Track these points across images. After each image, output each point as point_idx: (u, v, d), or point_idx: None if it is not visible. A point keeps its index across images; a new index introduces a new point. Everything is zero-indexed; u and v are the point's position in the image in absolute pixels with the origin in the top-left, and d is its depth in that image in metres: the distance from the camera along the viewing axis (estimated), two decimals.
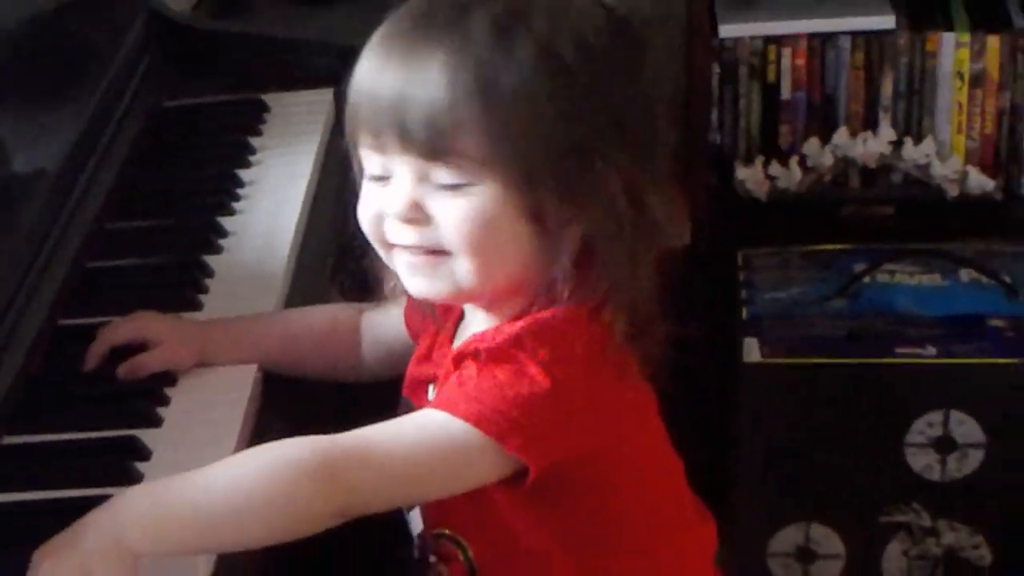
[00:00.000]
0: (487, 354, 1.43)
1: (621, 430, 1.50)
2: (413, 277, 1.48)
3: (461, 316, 1.56)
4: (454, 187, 1.42)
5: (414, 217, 1.45)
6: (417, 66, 1.41)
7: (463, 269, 1.46)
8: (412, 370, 1.60)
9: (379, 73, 1.43)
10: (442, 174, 1.42)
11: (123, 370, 1.66)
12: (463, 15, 1.41)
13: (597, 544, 1.54)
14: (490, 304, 1.50)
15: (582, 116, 1.41)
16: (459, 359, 1.46)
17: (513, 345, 1.43)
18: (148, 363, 1.66)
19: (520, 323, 1.43)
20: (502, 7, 1.41)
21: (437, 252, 1.46)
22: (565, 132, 1.40)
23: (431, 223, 1.44)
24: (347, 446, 1.43)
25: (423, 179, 1.43)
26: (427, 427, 1.44)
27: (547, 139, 1.40)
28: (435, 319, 1.59)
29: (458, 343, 1.53)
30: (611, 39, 1.42)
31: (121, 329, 1.69)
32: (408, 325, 1.65)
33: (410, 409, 1.55)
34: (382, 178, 1.45)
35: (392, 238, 1.47)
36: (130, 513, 1.38)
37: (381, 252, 1.49)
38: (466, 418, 1.41)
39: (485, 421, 1.41)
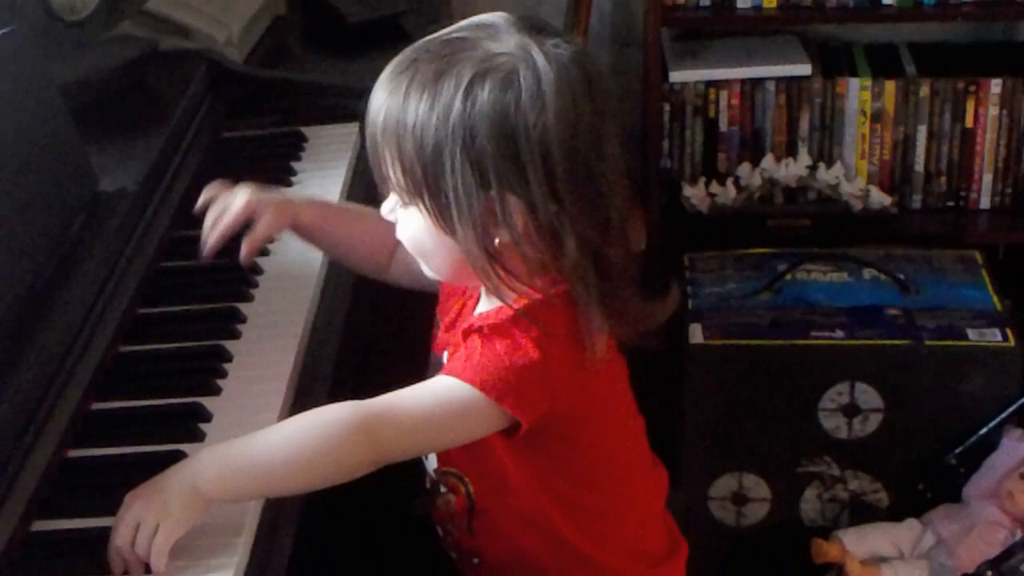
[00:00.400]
0: (489, 330, 1.44)
1: (596, 393, 1.50)
2: None
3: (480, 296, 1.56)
4: (403, 204, 1.46)
5: (391, 217, 1.49)
6: (374, 106, 1.43)
7: (427, 270, 1.51)
8: (441, 335, 1.60)
9: (368, 103, 1.45)
10: (393, 194, 1.46)
11: (244, 258, 1.67)
12: (407, 68, 1.41)
13: (572, 484, 1.55)
14: (485, 288, 1.49)
15: (481, 160, 1.38)
16: (467, 333, 1.47)
17: (510, 323, 1.43)
18: (258, 239, 1.66)
19: (516, 306, 1.43)
20: (431, 68, 1.39)
21: None
22: (465, 174, 1.38)
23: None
24: (377, 409, 1.44)
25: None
26: (440, 391, 1.45)
27: (449, 179, 1.38)
28: (460, 291, 1.59)
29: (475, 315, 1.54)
30: (515, 101, 1.38)
31: (234, 216, 1.67)
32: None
33: (439, 364, 1.56)
34: None
35: None
36: (204, 467, 1.40)
37: None
38: (472, 383, 1.42)
39: (487, 385, 1.42)
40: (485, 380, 1.42)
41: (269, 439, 1.43)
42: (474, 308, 1.55)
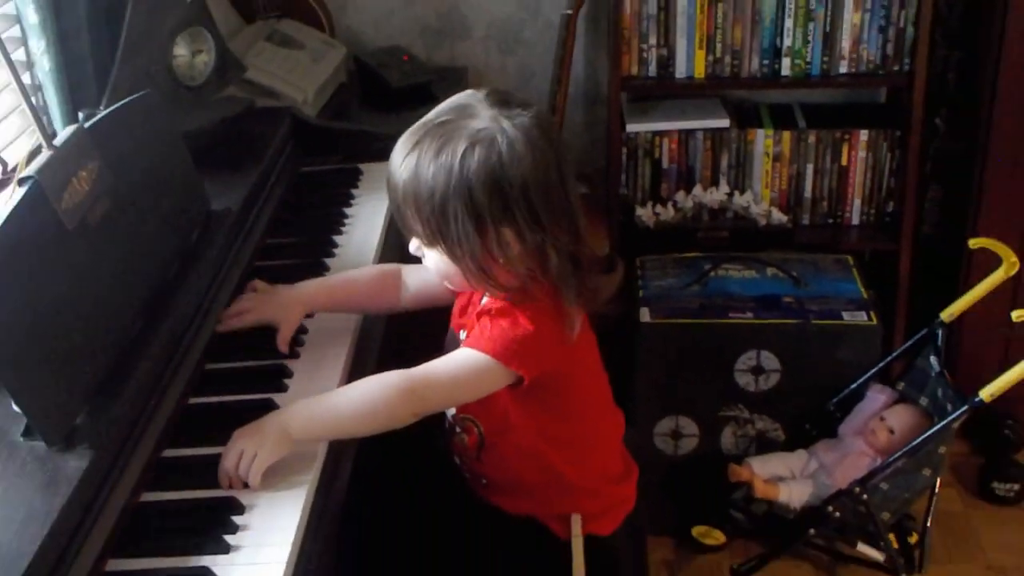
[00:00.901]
0: (496, 312, 1.45)
1: (575, 356, 1.52)
2: None
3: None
4: (426, 245, 1.46)
5: (417, 253, 1.50)
6: (394, 176, 1.43)
7: (451, 287, 1.52)
8: (455, 319, 1.61)
9: (388, 173, 1.45)
10: (416, 239, 1.46)
11: (283, 349, 1.62)
12: (415, 147, 1.41)
13: (558, 423, 1.55)
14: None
15: (477, 207, 1.38)
16: (479, 315, 1.48)
17: (512, 306, 1.45)
18: (284, 339, 1.62)
19: (515, 294, 1.44)
20: (433, 145, 1.39)
21: None
22: (465, 219, 1.38)
23: None
24: (420, 375, 1.45)
25: None
26: (464, 360, 1.46)
27: (453, 224, 1.39)
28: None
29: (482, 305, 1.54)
30: (498, 161, 1.38)
31: (252, 317, 1.64)
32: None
33: (454, 342, 1.57)
34: None
35: None
36: (293, 415, 1.42)
37: None
38: (487, 352, 1.44)
39: (498, 353, 1.43)
40: (496, 349, 1.43)
41: (340, 398, 1.45)
42: (480, 298, 1.55)
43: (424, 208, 1.40)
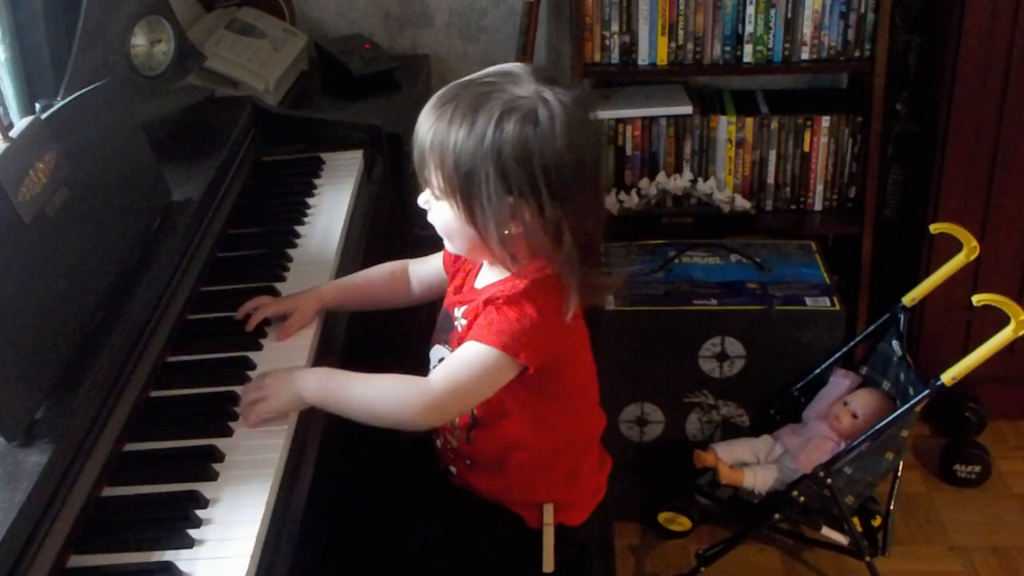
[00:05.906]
0: (504, 300, 1.45)
1: (573, 344, 1.53)
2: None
3: (481, 264, 1.57)
4: (436, 198, 1.45)
5: (425, 206, 1.49)
6: (422, 127, 1.42)
7: (449, 246, 1.52)
8: (450, 297, 1.61)
9: (416, 125, 1.44)
10: (429, 191, 1.45)
11: (281, 336, 1.62)
12: (449, 101, 1.41)
13: (548, 407, 1.56)
14: (491, 262, 1.51)
15: (505, 174, 1.38)
16: (487, 303, 1.47)
17: (520, 295, 1.44)
18: (291, 326, 1.63)
19: (523, 282, 1.44)
20: (469, 103, 1.39)
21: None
22: (493, 184, 1.38)
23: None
24: (444, 389, 1.45)
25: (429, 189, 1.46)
26: (474, 358, 1.45)
27: (479, 186, 1.39)
28: (464, 265, 1.60)
29: (479, 283, 1.54)
30: (534, 133, 1.38)
31: (271, 308, 1.65)
32: (444, 265, 1.66)
33: (448, 320, 1.57)
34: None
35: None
36: (309, 383, 1.47)
37: None
38: (495, 346, 1.44)
39: (508, 346, 1.43)
40: (506, 343, 1.43)
41: (360, 386, 1.46)
42: (476, 277, 1.56)
43: (448, 161, 1.39)
